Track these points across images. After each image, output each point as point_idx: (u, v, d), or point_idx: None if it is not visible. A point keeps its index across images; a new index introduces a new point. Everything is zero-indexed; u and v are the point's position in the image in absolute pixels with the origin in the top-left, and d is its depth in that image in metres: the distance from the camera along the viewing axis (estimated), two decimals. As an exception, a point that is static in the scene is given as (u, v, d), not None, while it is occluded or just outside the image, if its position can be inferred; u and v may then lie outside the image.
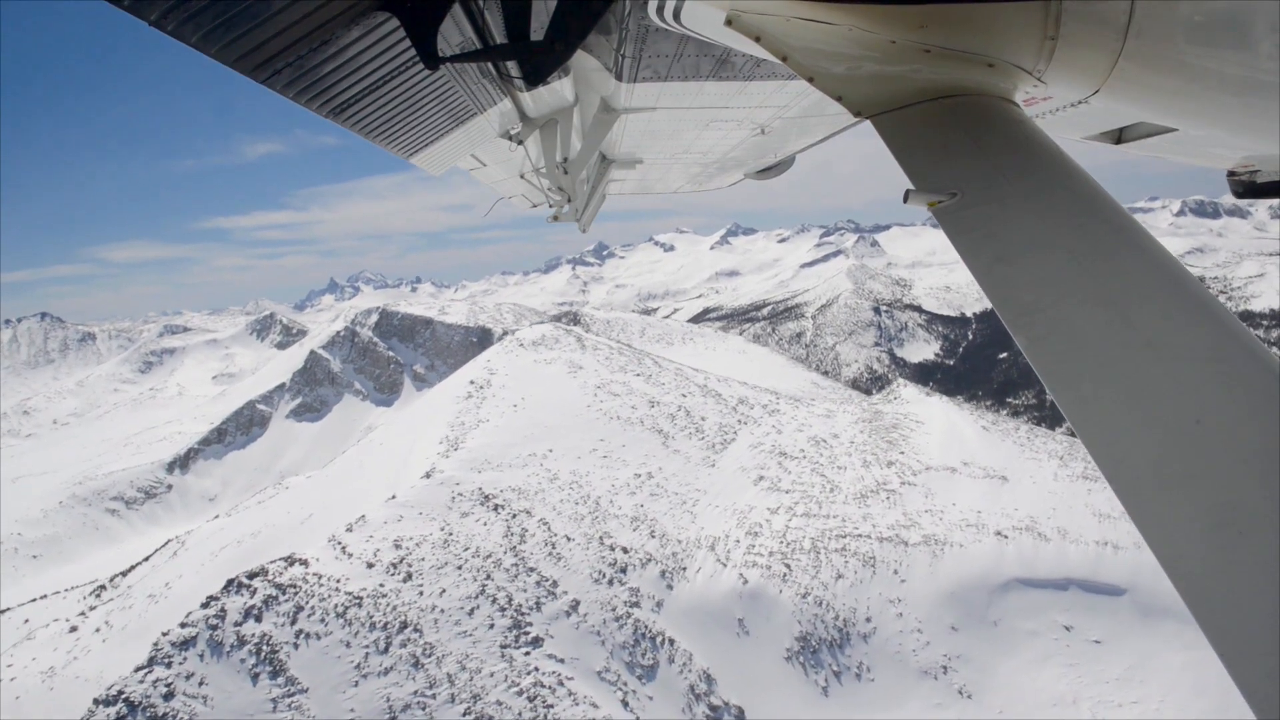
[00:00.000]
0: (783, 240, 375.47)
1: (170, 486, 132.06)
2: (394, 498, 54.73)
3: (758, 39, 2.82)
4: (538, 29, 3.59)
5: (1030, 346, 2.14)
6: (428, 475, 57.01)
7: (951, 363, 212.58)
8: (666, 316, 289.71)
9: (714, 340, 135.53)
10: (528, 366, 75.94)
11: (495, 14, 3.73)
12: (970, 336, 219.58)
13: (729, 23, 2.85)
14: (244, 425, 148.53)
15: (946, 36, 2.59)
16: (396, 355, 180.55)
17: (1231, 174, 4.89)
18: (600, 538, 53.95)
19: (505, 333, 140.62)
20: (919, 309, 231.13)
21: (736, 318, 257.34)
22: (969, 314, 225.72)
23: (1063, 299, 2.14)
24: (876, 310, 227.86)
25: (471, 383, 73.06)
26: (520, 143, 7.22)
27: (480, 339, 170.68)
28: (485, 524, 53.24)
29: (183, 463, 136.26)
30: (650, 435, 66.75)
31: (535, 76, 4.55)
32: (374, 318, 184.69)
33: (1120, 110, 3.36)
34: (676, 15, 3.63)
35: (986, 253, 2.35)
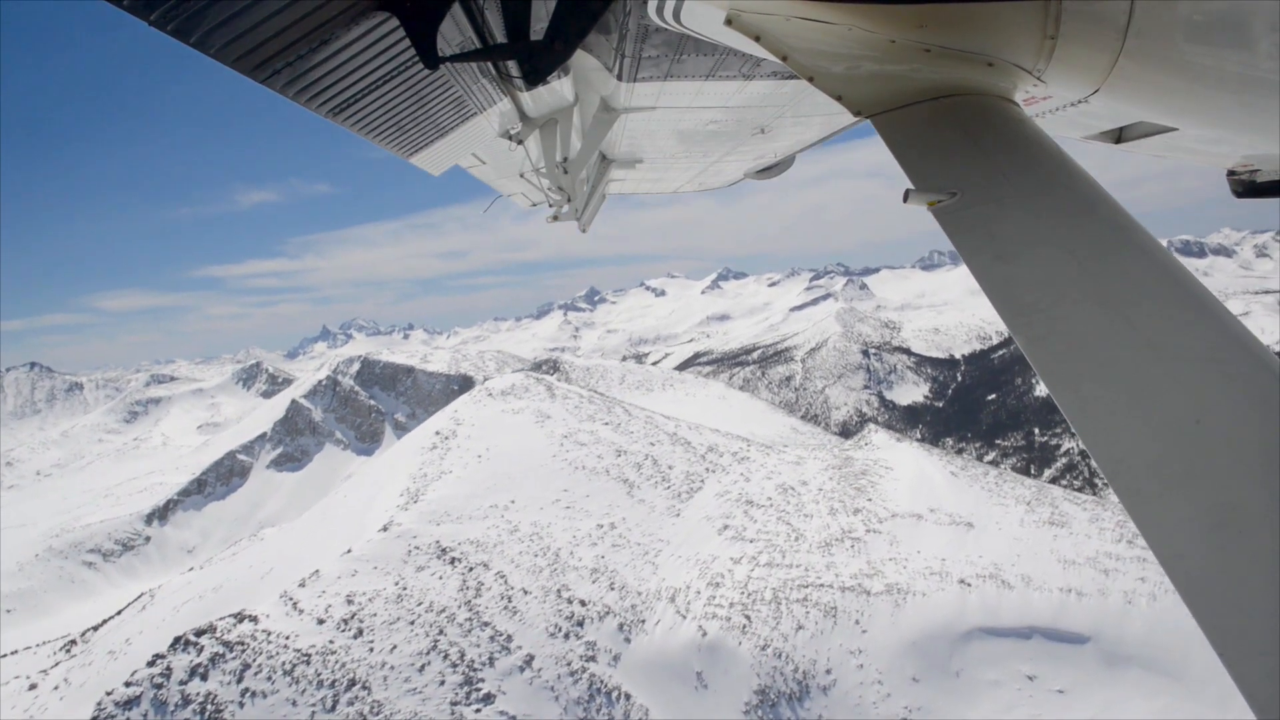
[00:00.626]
0: (773, 284, 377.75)
1: (148, 538, 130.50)
2: (349, 552, 54.19)
3: (757, 38, 2.85)
4: (537, 28, 3.60)
5: (1030, 346, 2.15)
6: (385, 529, 56.55)
7: (941, 405, 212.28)
8: (657, 361, 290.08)
9: (695, 386, 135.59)
10: (495, 416, 75.82)
11: (495, 13, 3.74)
12: (959, 378, 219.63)
13: (729, 22, 2.87)
14: (224, 476, 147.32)
15: (946, 36, 2.62)
16: (378, 404, 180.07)
17: (1231, 173, 4.90)
18: (558, 590, 53.38)
19: (487, 380, 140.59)
20: (908, 351, 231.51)
21: (727, 362, 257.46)
22: (958, 356, 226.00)
23: (1062, 298, 2.15)
24: (865, 353, 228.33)
25: (437, 433, 72.93)
26: (520, 142, 7.20)
27: (461, 387, 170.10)
28: (441, 578, 52.71)
29: (161, 514, 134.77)
30: (615, 485, 66.41)
31: (535, 76, 4.57)
32: (356, 366, 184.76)
33: (1120, 110, 3.43)
34: (676, 15, 3.66)
35: (986, 252, 2.36)
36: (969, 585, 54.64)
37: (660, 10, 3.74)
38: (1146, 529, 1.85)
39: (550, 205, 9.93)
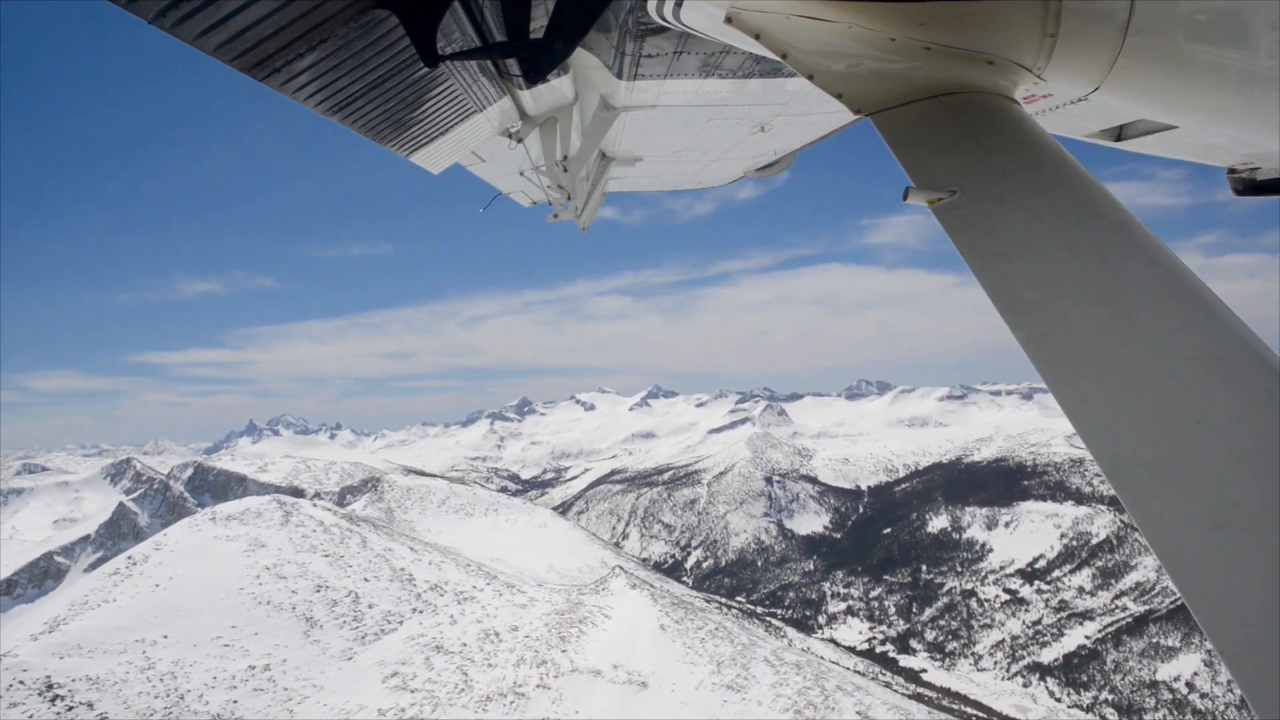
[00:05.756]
0: (701, 404, 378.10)
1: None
2: (-58, 684, 50.97)
3: (757, 36, 2.85)
4: (537, 26, 3.56)
5: (1029, 344, 2.13)
6: (-5, 661, 53.43)
7: (839, 536, 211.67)
8: (575, 477, 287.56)
9: (519, 513, 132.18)
10: (203, 543, 73.00)
11: (495, 11, 3.74)
12: (860, 510, 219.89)
13: (729, 20, 2.89)
14: (37, 578, 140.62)
15: (947, 34, 2.63)
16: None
17: (1232, 171, 4.88)
18: (159, 739, 50.24)
19: (317, 494, 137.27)
20: (814, 480, 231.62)
21: (638, 481, 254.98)
22: (863, 486, 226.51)
23: (1062, 296, 2.15)
24: (768, 480, 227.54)
25: (129, 558, 70.13)
26: (520, 140, 7.16)
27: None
28: (30, 717, 49.46)
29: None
30: (294, 623, 63.73)
31: (535, 74, 4.52)
32: (189, 472, 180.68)
33: (1120, 107, 3.39)
34: (676, 13, 3.68)
35: (986, 250, 2.34)
36: (604, 756, 52.16)
37: (660, 8, 3.80)
38: (1147, 527, 1.84)
39: (550, 203, 10.09)
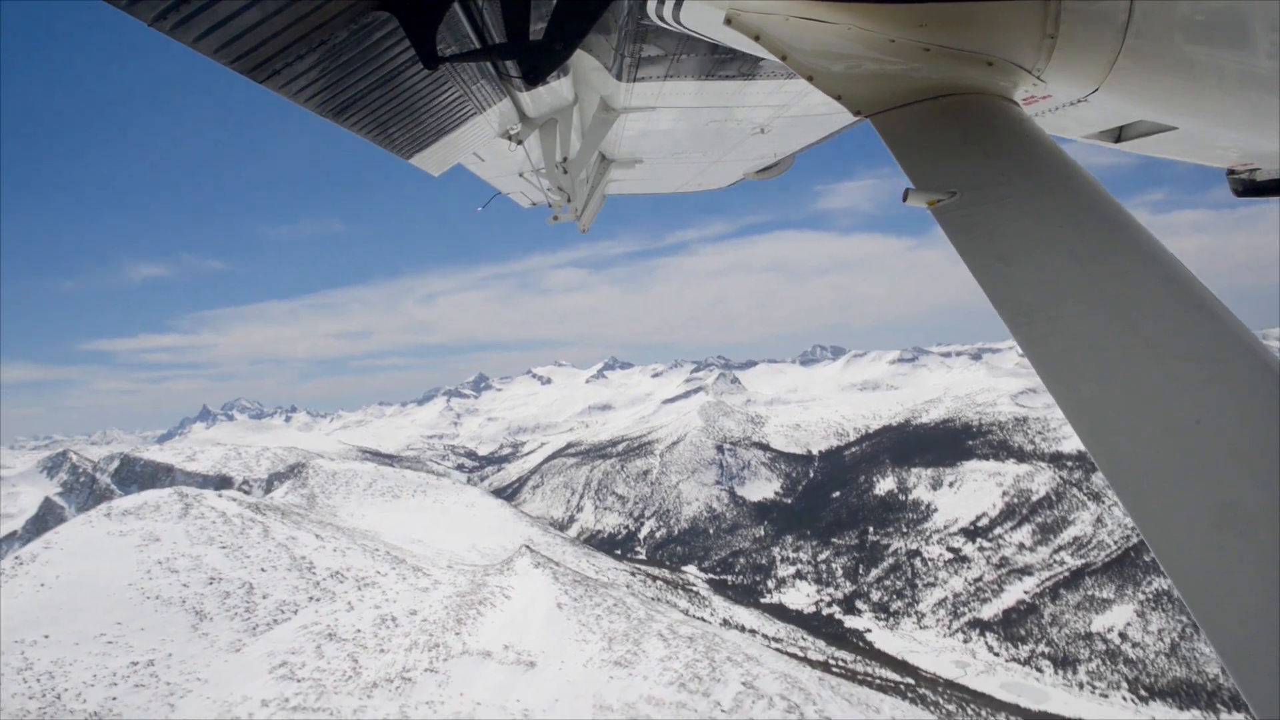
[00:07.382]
0: (656, 375, 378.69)
1: None
2: None
3: (757, 38, 2.85)
4: (537, 28, 3.51)
5: (1029, 346, 2.13)
6: None
7: (790, 501, 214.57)
8: (531, 451, 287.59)
9: (448, 493, 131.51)
10: (95, 539, 71.59)
11: (494, 13, 3.74)
12: (811, 474, 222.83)
13: (728, 22, 2.89)
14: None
15: (946, 35, 2.63)
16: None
17: (1231, 172, 4.87)
18: (32, 743, 49.69)
19: (245, 482, 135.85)
20: (765, 446, 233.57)
21: (593, 454, 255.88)
22: (814, 451, 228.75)
23: (1062, 298, 2.15)
24: (720, 448, 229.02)
25: (16, 558, 69.03)
26: (520, 142, 7.16)
27: (218, 488, 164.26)
28: (-106, 727, 48.84)
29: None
30: (182, 616, 63.02)
31: (534, 76, 4.35)
32: (115, 464, 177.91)
33: (1120, 108, 3.37)
34: (676, 15, 3.65)
35: (985, 252, 2.34)
36: (481, 737, 52.36)
37: (660, 10, 3.77)
38: (1146, 528, 1.84)
39: (550, 205, 10.03)
